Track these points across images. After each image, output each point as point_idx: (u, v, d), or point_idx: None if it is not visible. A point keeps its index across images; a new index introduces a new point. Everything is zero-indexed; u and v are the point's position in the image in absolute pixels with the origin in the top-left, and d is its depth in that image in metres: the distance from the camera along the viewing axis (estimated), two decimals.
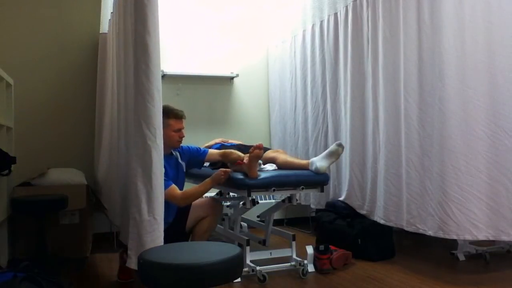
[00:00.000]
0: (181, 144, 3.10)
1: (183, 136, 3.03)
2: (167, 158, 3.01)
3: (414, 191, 3.10)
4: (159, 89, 2.18)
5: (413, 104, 3.11)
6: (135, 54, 2.17)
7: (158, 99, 2.17)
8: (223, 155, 3.17)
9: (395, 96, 3.27)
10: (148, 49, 2.13)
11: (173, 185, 2.87)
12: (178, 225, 2.99)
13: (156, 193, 2.17)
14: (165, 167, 2.94)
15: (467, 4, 2.89)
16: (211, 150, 3.30)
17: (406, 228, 3.17)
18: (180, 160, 3.12)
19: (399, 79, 3.22)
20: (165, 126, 2.95)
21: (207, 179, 2.94)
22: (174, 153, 3.10)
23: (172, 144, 3.01)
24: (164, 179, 2.86)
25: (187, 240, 3.01)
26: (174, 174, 3.02)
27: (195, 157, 3.22)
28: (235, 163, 3.00)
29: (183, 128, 3.03)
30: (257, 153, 2.85)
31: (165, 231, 2.94)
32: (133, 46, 2.20)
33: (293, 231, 3.42)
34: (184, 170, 3.16)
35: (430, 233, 2.96)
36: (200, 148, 3.31)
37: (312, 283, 2.96)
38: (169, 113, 2.97)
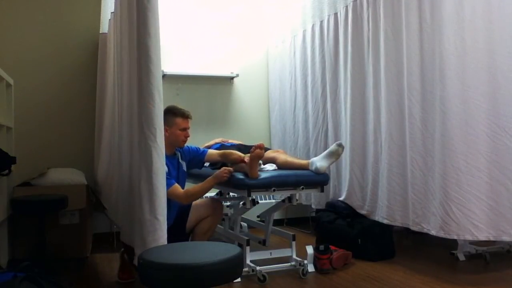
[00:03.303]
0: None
1: (188, 136, 3.04)
2: (170, 158, 3.01)
3: (418, 190, 3.09)
4: (159, 90, 2.20)
5: (416, 104, 3.11)
6: (136, 55, 2.20)
7: (159, 100, 2.19)
8: (223, 155, 3.17)
9: (399, 96, 3.27)
10: (149, 51, 2.15)
11: (176, 184, 2.88)
12: (178, 226, 2.99)
13: (158, 193, 2.17)
14: (168, 166, 2.95)
15: (467, 4, 2.89)
16: (210, 150, 3.30)
17: (412, 228, 3.17)
18: (181, 160, 3.13)
19: (403, 79, 3.21)
20: (172, 124, 2.97)
21: (209, 177, 2.94)
22: (176, 153, 3.10)
23: (177, 143, 3.02)
24: (167, 178, 2.87)
25: (188, 241, 3.01)
26: (176, 174, 3.03)
27: (195, 156, 3.22)
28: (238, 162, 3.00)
29: (188, 128, 3.03)
30: (258, 153, 2.85)
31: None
32: (135, 48, 2.22)
33: (293, 231, 3.42)
34: (185, 169, 3.16)
35: (433, 232, 2.96)
36: (199, 148, 3.31)
37: (312, 283, 2.96)
38: (177, 112, 3.00)
